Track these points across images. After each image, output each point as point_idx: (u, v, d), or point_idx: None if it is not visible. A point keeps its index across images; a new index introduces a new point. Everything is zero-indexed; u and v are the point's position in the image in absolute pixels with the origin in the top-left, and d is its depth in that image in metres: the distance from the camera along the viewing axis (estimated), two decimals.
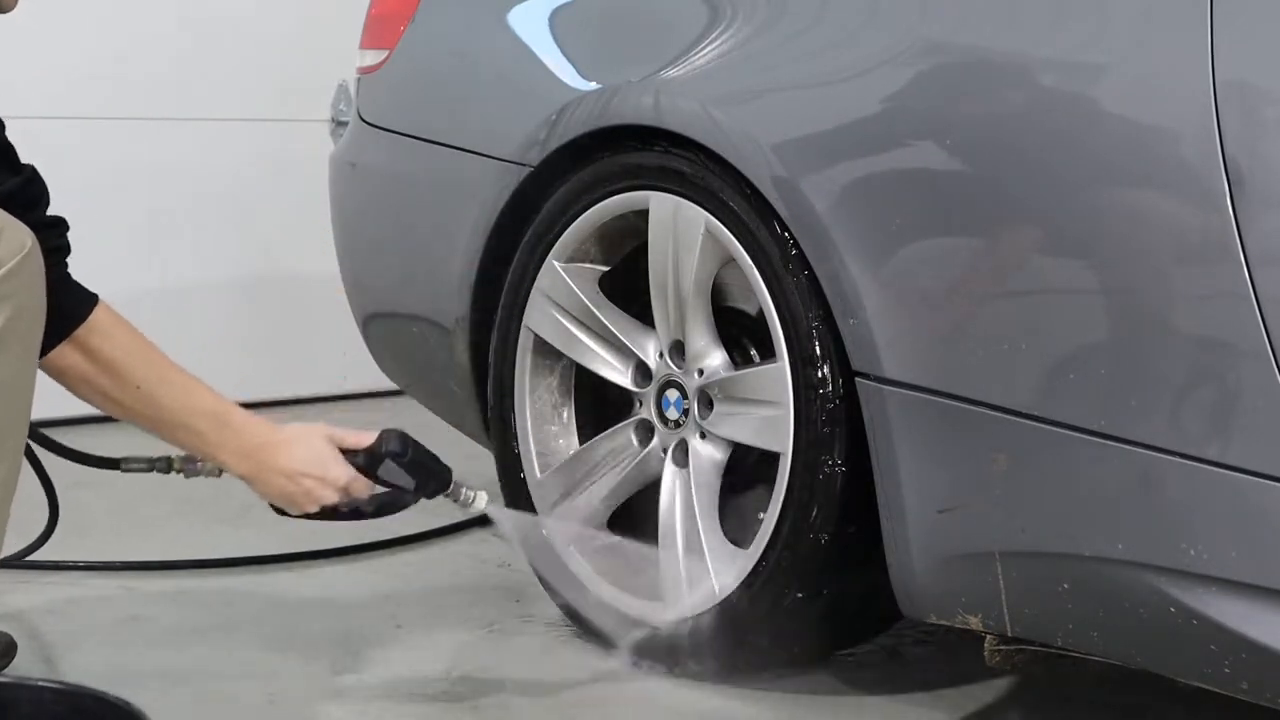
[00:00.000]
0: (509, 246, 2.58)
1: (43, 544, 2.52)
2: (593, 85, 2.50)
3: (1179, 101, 1.86)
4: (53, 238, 1.98)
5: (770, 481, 2.27)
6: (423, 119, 2.81)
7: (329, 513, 2.16)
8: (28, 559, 2.60)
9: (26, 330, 1.91)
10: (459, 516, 3.25)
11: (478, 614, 2.71)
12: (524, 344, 2.56)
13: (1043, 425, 1.96)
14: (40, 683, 2.10)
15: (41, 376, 1.98)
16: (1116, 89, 1.94)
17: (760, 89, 2.28)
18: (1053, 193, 1.96)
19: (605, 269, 2.52)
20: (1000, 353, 2.00)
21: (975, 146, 2.04)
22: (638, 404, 2.47)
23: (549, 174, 2.52)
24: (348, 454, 2.14)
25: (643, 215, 2.40)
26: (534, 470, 2.56)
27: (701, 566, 2.34)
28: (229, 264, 4.47)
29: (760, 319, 2.29)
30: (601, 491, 2.48)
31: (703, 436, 2.38)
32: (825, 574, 2.24)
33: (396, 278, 2.89)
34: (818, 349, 2.19)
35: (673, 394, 2.41)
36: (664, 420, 2.42)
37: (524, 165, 2.54)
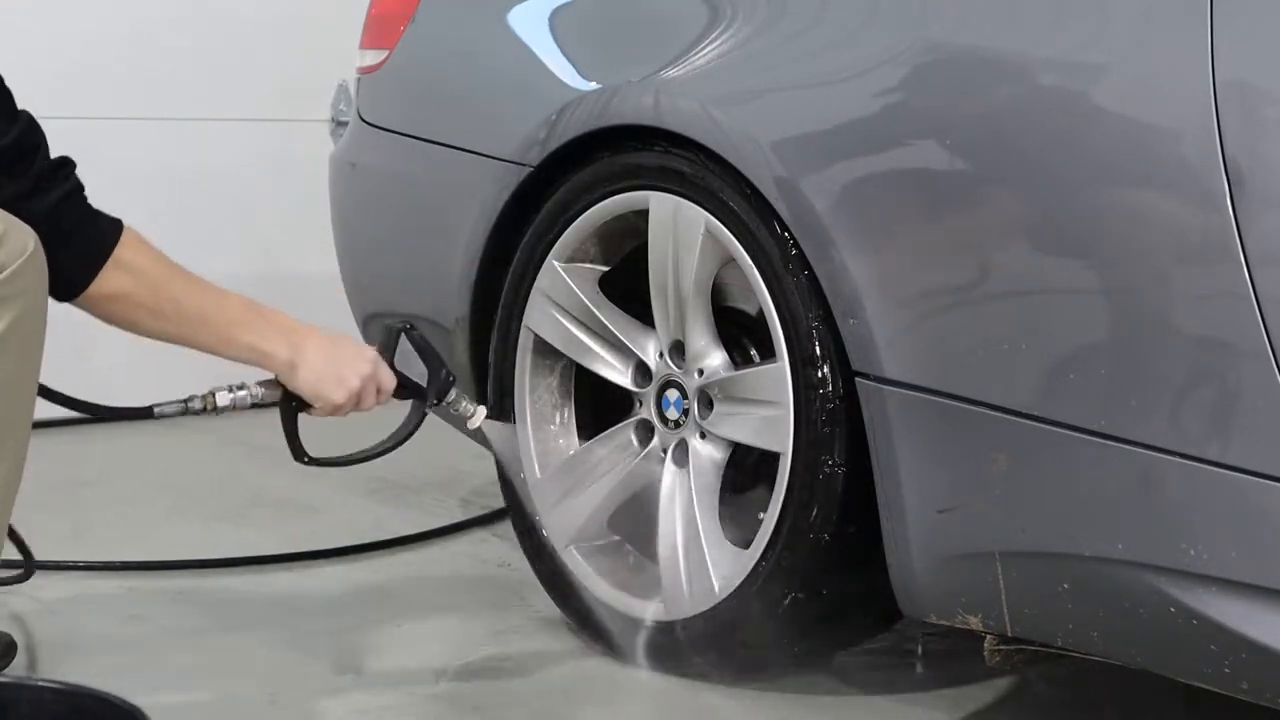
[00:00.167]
0: (509, 246, 2.58)
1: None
2: (593, 85, 2.50)
3: (1179, 101, 1.86)
4: (62, 179, 2.01)
5: (770, 481, 2.28)
6: (423, 119, 2.81)
7: (350, 458, 2.26)
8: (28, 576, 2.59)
9: (29, 332, 1.91)
10: (459, 517, 3.27)
11: (478, 614, 2.71)
12: (524, 344, 2.56)
13: (1043, 425, 1.96)
14: (40, 683, 2.11)
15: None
16: (1116, 89, 1.94)
17: (760, 89, 2.28)
18: (1053, 193, 1.96)
19: (605, 269, 2.52)
20: (1000, 353, 2.00)
21: (975, 146, 2.04)
22: (638, 404, 2.47)
23: (549, 174, 2.52)
24: None
25: (643, 215, 2.40)
26: (534, 470, 2.56)
27: (702, 566, 2.34)
28: (229, 264, 4.44)
29: (760, 319, 2.29)
30: (601, 491, 2.48)
31: (703, 436, 2.38)
32: (825, 574, 2.24)
33: (396, 278, 2.89)
34: (818, 349, 2.19)
35: (673, 394, 2.41)
36: (664, 420, 2.42)
37: (524, 165, 2.54)
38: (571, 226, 2.48)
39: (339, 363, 2.17)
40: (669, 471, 2.41)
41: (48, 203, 1.97)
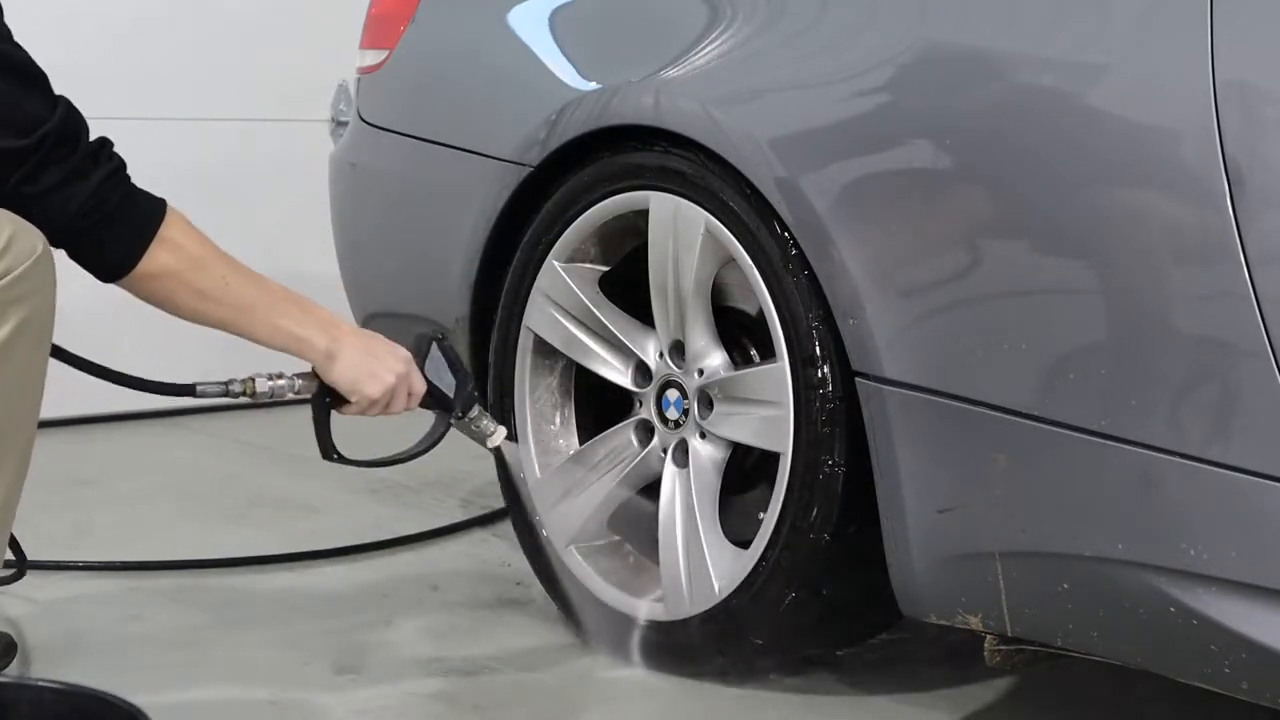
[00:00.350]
0: (509, 246, 2.58)
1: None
2: (593, 85, 2.50)
3: (1179, 101, 1.86)
4: (105, 159, 2.01)
5: (770, 481, 2.28)
6: (423, 119, 2.81)
7: (375, 461, 2.29)
8: (29, 559, 2.59)
9: (37, 334, 1.92)
10: (459, 517, 3.28)
11: (478, 614, 2.71)
12: (524, 344, 2.56)
13: (1043, 425, 1.96)
14: (40, 683, 2.11)
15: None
16: (1116, 89, 1.94)
17: (760, 89, 2.28)
18: (1053, 193, 1.96)
19: (605, 269, 2.52)
20: (1000, 353, 2.00)
21: (975, 147, 2.04)
22: (638, 404, 2.48)
23: (549, 174, 2.52)
24: None
25: (643, 215, 2.40)
26: (534, 470, 2.56)
27: (702, 566, 2.34)
28: None
29: (760, 319, 2.29)
30: (601, 491, 2.48)
31: (703, 436, 2.38)
32: (825, 574, 2.24)
33: (397, 277, 2.89)
34: (818, 349, 2.19)
35: (673, 394, 2.41)
36: (664, 420, 2.42)
37: (524, 165, 2.54)
38: (571, 226, 2.48)
39: (375, 358, 2.18)
40: (669, 471, 2.41)
41: (92, 184, 1.98)
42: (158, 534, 3.16)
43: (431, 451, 2.33)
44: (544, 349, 2.56)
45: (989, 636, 2.14)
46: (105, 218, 2.00)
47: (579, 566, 2.49)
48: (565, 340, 2.52)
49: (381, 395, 2.18)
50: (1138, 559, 1.90)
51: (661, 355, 2.43)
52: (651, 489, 2.45)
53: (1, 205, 1.92)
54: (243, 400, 2.22)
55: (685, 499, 2.38)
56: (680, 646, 2.38)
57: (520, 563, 2.66)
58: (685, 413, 2.39)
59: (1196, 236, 1.85)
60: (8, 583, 2.50)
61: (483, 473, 3.38)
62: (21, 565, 2.46)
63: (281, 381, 2.19)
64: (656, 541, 2.40)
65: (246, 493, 3.49)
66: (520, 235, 2.56)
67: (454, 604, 2.77)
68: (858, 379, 2.14)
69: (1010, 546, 2.02)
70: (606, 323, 2.47)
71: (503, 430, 2.36)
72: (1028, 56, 2.02)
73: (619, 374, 2.48)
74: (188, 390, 2.17)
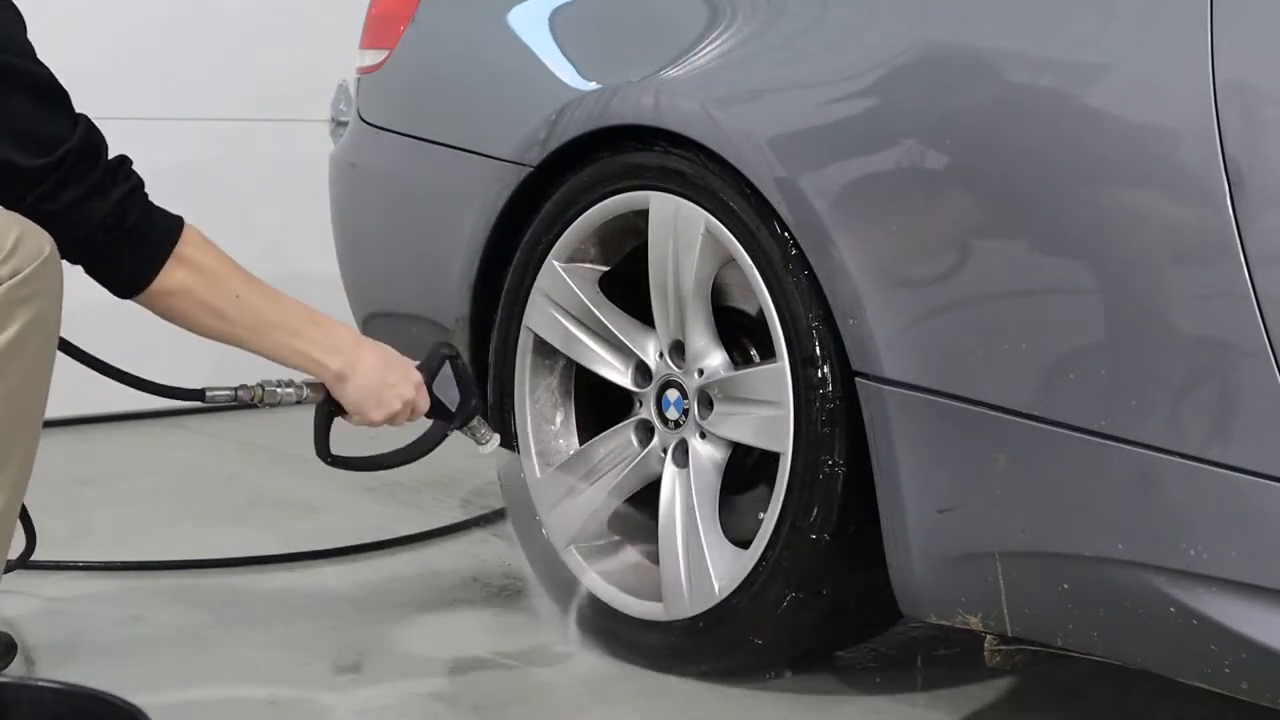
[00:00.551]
0: (509, 246, 2.58)
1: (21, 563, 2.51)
2: (593, 85, 2.50)
3: (1179, 101, 1.86)
4: (124, 177, 2.02)
5: (770, 481, 2.28)
6: (423, 119, 2.81)
7: (370, 462, 2.32)
8: (29, 560, 2.59)
9: (44, 335, 1.92)
10: (459, 517, 3.28)
11: (478, 613, 2.71)
12: (524, 344, 2.56)
13: (1043, 425, 1.96)
14: (40, 683, 2.11)
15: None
16: (1116, 89, 1.94)
17: (760, 89, 2.28)
18: (1052, 193, 1.96)
19: (605, 269, 2.52)
20: (1000, 353, 2.00)
21: (975, 147, 2.04)
22: (638, 404, 2.48)
23: (549, 174, 2.52)
24: None
25: (643, 215, 2.40)
26: (534, 470, 2.56)
27: (702, 566, 2.34)
28: None
29: (760, 319, 2.29)
30: (601, 491, 2.48)
31: (703, 436, 2.38)
32: (825, 574, 2.24)
33: (396, 278, 2.89)
34: (818, 349, 2.19)
35: (673, 394, 2.41)
36: (664, 420, 2.42)
37: (524, 165, 2.54)
38: (571, 226, 2.48)
39: (385, 385, 2.20)
40: (669, 471, 2.41)
41: (111, 202, 2.00)
42: (158, 534, 3.16)
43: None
44: (544, 349, 2.56)
45: (989, 636, 2.14)
46: (123, 234, 2.01)
47: (579, 566, 2.49)
48: (565, 340, 2.52)
49: (383, 420, 2.22)
50: (1138, 559, 1.90)
51: (661, 355, 2.43)
52: (652, 489, 2.45)
53: None
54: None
55: (685, 499, 2.38)
56: (680, 646, 2.38)
57: (520, 562, 2.66)
58: (685, 413, 2.39)
59: (1196, 236, 1.85)
60: (22, 561, 2.49)
61: (482, 473, 3.38)
62: (31, 541, 2.46)
63: (290, 389, 2.21)
64: (657, 541, 2.40)
65: (246, 493, 3.49)
66: (520, 235, 2.56)
67: (454, 604, 2.77)
68: (858, 379, 2.14)
69: (1010, 546, 2.02)
70: (606, 323, 2.47)
71: (496, 438, 2.38)
72: (1027, 56, 2.02)
73: (619, 374, 2.48)
74: (197, 395, 2.19)
